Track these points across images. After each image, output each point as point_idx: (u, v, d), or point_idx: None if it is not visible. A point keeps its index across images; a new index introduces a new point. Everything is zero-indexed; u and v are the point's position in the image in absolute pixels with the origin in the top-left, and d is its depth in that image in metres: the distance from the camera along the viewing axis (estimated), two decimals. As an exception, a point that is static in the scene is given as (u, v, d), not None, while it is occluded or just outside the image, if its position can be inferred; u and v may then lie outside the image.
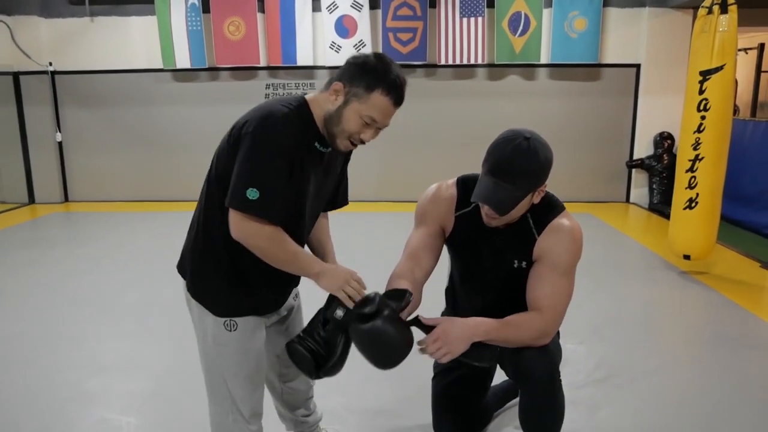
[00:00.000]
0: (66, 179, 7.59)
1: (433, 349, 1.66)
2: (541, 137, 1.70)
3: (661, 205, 6.81)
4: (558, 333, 1.97)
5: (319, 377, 1.68)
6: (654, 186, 6.96)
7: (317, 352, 1.63)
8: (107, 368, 3.01)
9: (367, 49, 6.77)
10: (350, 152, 1.83)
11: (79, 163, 7.54)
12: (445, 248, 1.98)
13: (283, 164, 1.53)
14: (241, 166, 1.52)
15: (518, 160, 1.63)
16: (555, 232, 1.76)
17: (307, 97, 1.64)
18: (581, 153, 7.12)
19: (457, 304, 2.10)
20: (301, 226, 1.71)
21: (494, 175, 1.66)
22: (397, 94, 1.57)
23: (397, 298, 1.65)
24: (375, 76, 1.55)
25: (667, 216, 6.50)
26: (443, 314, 2.17)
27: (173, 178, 7.30)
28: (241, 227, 1.55)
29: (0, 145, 7.36)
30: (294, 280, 1.85)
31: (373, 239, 5.48)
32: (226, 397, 1.77)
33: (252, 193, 1.50)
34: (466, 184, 1.89)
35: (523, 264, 1.81)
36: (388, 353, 1.62)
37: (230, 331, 1.70)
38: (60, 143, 7.45)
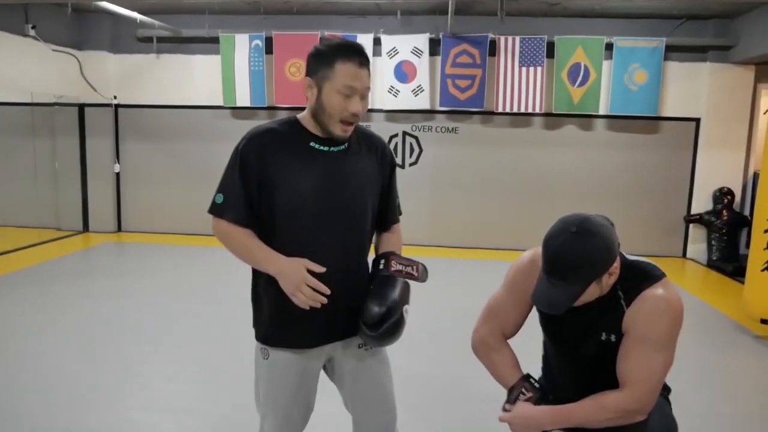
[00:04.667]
0: (120, 209, 7.73)
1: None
2: (594, 220, 1.58)
3: (720, 262, 6.62)
4: (669, 403, 1.87)
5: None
6: (713, 242, 6.78)
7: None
8: (175, 411, 2.98)
9: (425, 95, 6.84)
10: (389, 161, 1.86)
11: (134, 195, 7.68)
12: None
13: (246, 172, 1.66)
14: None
15: (564, 258, 1.56)
16: (646, 302, 1.63)
17: (297, 116, 1.76)
18: (637, 206, 7.01)
19: (551, 372, 2.01)
20: (307, 225, 1.68)
21: (546, 274, 1.60)
22: (357, 55, 1.63)
23: None
24: (330, 51, 1.63)
25: (727, 274, 6.35)
26: (539, 379, 2.09)
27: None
28: (213, 227, 1.75)
29: (60, 173, 7.56)
30: (340, 317, 1.74)
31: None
32: (260, 420, 1.86)
33: (218, 198, 1.71)
34: None
35: (612, 337, 1.71)
36: None
37: (264, 358, 1.78)
38: (117, 174, 7.62)
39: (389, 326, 1.64)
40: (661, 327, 1.63)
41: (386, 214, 1.88)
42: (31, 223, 7.50)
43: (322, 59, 1.64)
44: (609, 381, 1.70)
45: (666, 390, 1.90)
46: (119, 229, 7.75)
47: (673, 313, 1.63)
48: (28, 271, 5.69)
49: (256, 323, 1.80)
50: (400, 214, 1.94)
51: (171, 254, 6.59)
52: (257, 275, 1.77)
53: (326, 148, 1.70)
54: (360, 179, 1.75)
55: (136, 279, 5.52)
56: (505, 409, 1.77)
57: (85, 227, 7.67)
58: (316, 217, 1.68)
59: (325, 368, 1.88)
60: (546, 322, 1.85)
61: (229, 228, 1.69)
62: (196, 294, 5.05)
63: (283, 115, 7.42)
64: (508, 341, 1.89)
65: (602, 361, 1.75)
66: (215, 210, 1.71)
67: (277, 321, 1.73)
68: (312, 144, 1.69)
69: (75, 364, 3.52)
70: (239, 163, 1.67)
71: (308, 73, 1.67)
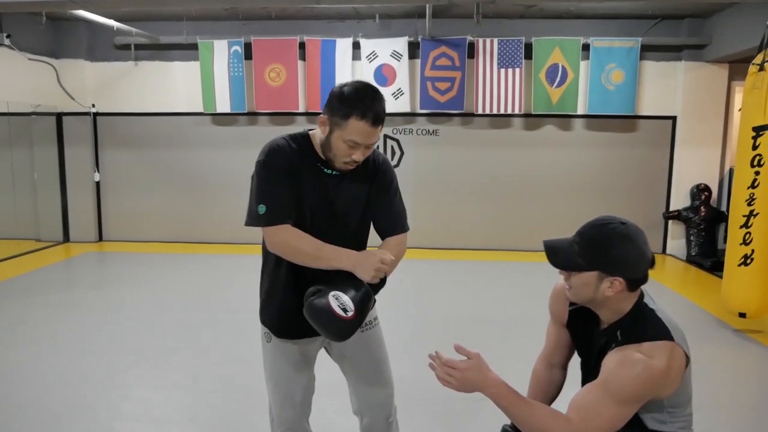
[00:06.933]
0: (101, 219, 7.65)
1: (443, 373, 1.63)
2: (643, 236, 1.65)
3: (699, 257, 6.72)
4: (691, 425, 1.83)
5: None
6: (692, 238, 6.88)
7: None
8: (158, 420, 2.96)
9: (405, 98, 6.87)
10: (383, 183, 1.95)
11: (115, 203, 7.62)
12: None
13: (278, 179, 1.79)
14: (252, 189, 1.83)
15: (596, 229, 1.68)
16: (622, 356, 1.60)
17: (310, 131, 1.91)
18: (616, 203, 7.09)
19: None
20: (309, 231, 1.84)
21: (575, 234, 1.73)
22: (372, 116, 1.71)
23: None
24: (349, 104, 1.72)
25: (706, 268, 6.45)
26: None
27: (208, 219, 7.36)
28: (267, 238, 1.83)
29: (39, 183, 7.48)
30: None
31: (399, 285, 5.43)
32: (268, 397, 2.05)
33: (261, 209, 1.79)
34: None
35: None
36: None
37: (267, 342, 1.99)
38: (98, 183, 7.55)
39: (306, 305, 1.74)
40: (626, 382, 1.57)
41: (379, 227, 1.99)
42: (11, 234, 7.41)
43: (340, 106, 1.73)
44: None
45: None
46: (100, 238, 7.67)
47: (643, 377, 1.57)
48: (7, 284, 5.61)
49: (262, 312, 1.99)
50: (403, 230, 1.99)
51: (153, 263, 6.54)
52: (268, 273, 1.94)
53: (329, 171, 1.86)
54: (353, 199, 1.91)
55: (117, 289, 5.47)
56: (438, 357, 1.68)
57: (66, 237, 7.59)
58: (316, 226, 1.84)
59: (326, 349, 2.06)
60: (575, 340, 1.93)
61: (285, 232, 1.79)
62: (178, 302, 5.01)
63: (263, 120, 7.53)
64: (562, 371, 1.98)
65: None
66: (261, 220, 1.79)
67: (282, 316, 1.92)
68: (318, 164, 1.85)
69: (57, 375, 3.48)
70: (272, 171, 1.79)
71: (326, 110, 1.77)
